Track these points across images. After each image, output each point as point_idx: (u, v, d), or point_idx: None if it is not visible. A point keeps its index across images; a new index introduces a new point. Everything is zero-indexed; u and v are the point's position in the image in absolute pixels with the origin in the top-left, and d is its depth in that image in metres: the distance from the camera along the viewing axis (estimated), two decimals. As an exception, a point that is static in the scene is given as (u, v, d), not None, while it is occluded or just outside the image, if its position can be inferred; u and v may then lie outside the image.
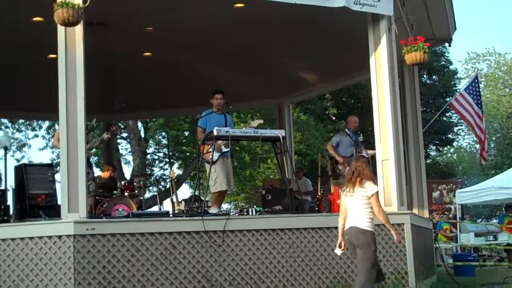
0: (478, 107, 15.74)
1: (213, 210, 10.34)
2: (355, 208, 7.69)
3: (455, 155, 50.71)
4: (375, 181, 7.88)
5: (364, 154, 11.73)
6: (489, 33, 78.76)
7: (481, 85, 38.43)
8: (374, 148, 11.00)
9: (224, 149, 10.59)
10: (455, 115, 32.73)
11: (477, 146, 46.80)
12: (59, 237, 8.22)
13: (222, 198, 10.90)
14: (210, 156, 10.32)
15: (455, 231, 22.25)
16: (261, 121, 11.20)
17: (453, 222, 22.73)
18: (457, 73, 39.09)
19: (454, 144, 43.68)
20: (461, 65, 50.59)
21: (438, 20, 13.42)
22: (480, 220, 35.04)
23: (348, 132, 12.44)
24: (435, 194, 26.19)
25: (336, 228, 9.50)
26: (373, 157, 10.99)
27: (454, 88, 35.51)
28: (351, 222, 7.73)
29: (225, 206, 27.72)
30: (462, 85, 27.66)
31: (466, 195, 23.06)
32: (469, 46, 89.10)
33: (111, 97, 15.26)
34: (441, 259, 14.99)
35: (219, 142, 10.42)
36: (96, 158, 26.55)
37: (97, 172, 15.13)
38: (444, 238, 20.86)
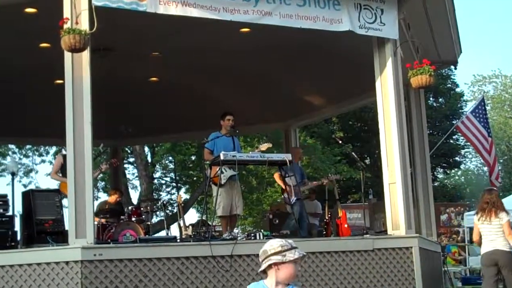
0: (485, 130, 15.71)
1: (225, 235, 10.33)
2: (493, 233, 9.57)
3: (463, 177, 50.62)
4: (506, 210, 9.69)
5: None
6: (495, 56, 78.89)
7: (488, 107, 38.43)
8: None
9: (231, 173, 10.58)
10: (462, 137, 32.71)
11: (485, 168, 46.83)
12: (67, 263, 8.20)
13: (227, 222, 10.88)
14: (218, 180, 10.32)
15: (464, 254, 22.14)
16: (270, 145, 11.18)
17: (462, 245, 22.63)
18: (463, 95, 39.15)
19: (462, 166, 43.65)
20: (467, 88, 50.68)
21: (443, 43, 13.44)
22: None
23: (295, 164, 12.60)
24: (443, 217, 26.13)
25: (344, 252, 9.51)
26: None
27: (460, 110, 35.54)
28: (492, 245, 9.57)
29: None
30: (468, 108, 27.63)
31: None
32: (475, 69, 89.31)
33: (118, 122, 15.31)
34: (450, 283, 14.91)
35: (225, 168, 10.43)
36: (103, 183, 26.56)
37: (103, 197, 15.12)
38: (453, 261, 20.75)
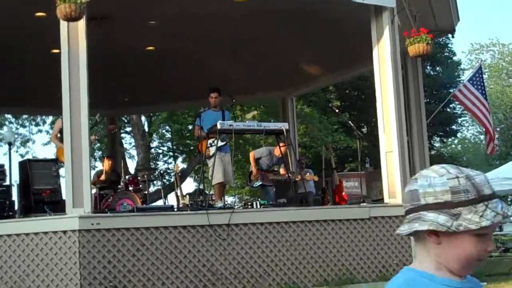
0: (483, 97, 15.68)
1: (219, 204, 10.39)
2: None
3: (459, 146, 50.74)
4: None
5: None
6: (492, 24, 78.61)
7: (485, 76, 38.37)
8: None
9: (220, 143, 10.61)
10: (459, 106, 32.68)
11: (482, 136, 46.93)
12: (64, 232, 8.23)
13: (222, 190, 10.97)
14: (207, 152, 10.39)
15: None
16: (255, 113, 11.27)
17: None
18: (460, 64, 39.06)
19: (458, 135, 43.70)
20: (464, 56, 50.63)
21: (441, 11, 13.38)
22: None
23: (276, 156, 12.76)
24: (439, 185, 26.19)
25: (341, 220, 9.57)
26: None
27: (458, 79, 35.45)
28: None
29: (229, 199, 27.73)
30: (465, 76, 27.61)
31: (471, 186, 23.04)
32: (473, 37, 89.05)
33: (115, 91, 15.30)
34: (446, 250, 14.98)
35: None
36: (100, 152, 26.58)
37: (100, 166, 15.15)
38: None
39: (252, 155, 12.98)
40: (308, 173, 13.72)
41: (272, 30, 12.98)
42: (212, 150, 10.51)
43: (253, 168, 12.73)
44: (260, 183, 12.49)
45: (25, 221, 8.96)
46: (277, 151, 12.29)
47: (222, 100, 11.27)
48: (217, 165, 10.65)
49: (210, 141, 10.47)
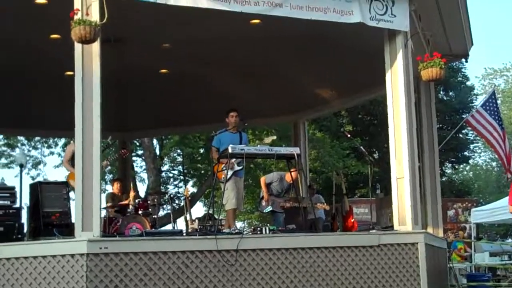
0: (497, 123, 15.60)
1: (231, 229, 10.36)
2: None
3: (471, 172, 50.47)
4: None
5: None
6: (506, 49, 78.49)
7: (498, 101, 38.21)
8: None
9: (237, 168, 10.58)
10: (472, 132, 32.61)
11: (494, 163, 46.71)
12: (72, 255, 8.18)
13: (234, 215, 10.94)
14: (224, 175, 10.34)
15: (470, 250, 22.08)
16: (274, 137, 11.22)
17: (468, 242, 22.57)
18: (474, 89, 38.98)
19: (470, 161, 43.49)
20: (478, 81, 50.46)
21: (454, 35, 13.33)
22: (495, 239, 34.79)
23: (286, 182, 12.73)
24: (450, 212, 26.10)
25: (350, 247, 9.49)
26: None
27: (471, 104, 35.37)
28: None
29: (238, 224, 27.66)
30: (479, 101, 27.52)
31: (481, 214, 22.96)
32: (486, 62, 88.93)
33: (127, 114, 15.33)
34: (455, 279, 14.85)
35: (232, 160, 10.45)
36: (111, 175, 26.61)
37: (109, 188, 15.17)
38: (459, 258, 20.69)
39: (263, 180, 12.92)
40: (319, 203, 13.65)
41: (284, 53, 12.98)
42: (229, 173, 10.48)
43: (264, 193, 12.65)
44: (271, 208, 12.43)
45: (33, 244, 8.91)
46: (288, 177, 12.22)
47: (239, 121, 11.27)
48: (231, 190, 10.61)
49: (226, 165, 10.42)
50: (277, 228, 10.33)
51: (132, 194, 13.35)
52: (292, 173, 11.48)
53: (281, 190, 12.67)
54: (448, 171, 39.24)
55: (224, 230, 10.28)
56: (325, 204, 13.38)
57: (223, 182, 10.48)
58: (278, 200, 12.46)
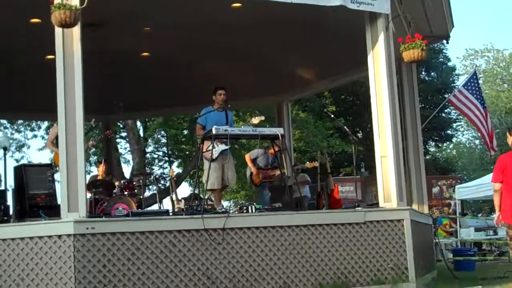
0: (479, 102, 15.75)
1: (218, 208, 10.42)
2: None
3: (454, 150, 50.80)
4: None
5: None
6: (487, 29, 78.81)
7: (480, 81, 38.40)
8: None
9: (223, 147, 10.62)
10: (454, 111, 32.82)
11: (477, 141, 47.00)
12: (59, 236, 8.23)
13: (219, 195, 10.98)
14: (210, 154, 10.38)
15: (455, 226, 22.30)
16: (263, 118, 11.20)
17: (453, 218, 22.78)
18: (455, 69, 39.19)
19: (453, 140, 43.78)
20: (459, 62, 50.66)
21: (435, 17, 13.41)
22: (479, 215, 35.10)
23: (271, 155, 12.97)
24: (435, 189, 26.29)
25: (336, 224, 9.59)
26: None
27: (452, 84, 35.57)
28: None
29: (224, 203, 27.72)
30: (460, 82, 27.64)
31: (466, 191, 23.17)
32: (468, 43, 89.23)
33: (110, 97, 15.29)
34: (441, 254, 15.02)
35: (215, 150, 10.50)
36: (95, 157, 26.57)
37: (95, 171, 15.16)
38: (444, 233, 20.90)
39: (248, 156, 13.02)
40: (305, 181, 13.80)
41: (267, 36, 12.98)
42: (215, 153, 10.50)
43: (252, 168, 12.73)
44: (263, 181, 12.58)
45: (20, 225, 8.94)
46: (271, 150, 12.33)
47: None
48: (213, 171, 10.65)
49: (214, 143, 10.44)
50: (263, 206, 10.40)
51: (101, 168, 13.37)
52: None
53: (267, 163, 12.81)
54: (432, 149, 39.47)
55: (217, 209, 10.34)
56: (313, 162, 13.48)
57: (208, 160, 10.51)
58: (267, 172, 12.58)
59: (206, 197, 10.91)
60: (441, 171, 35.26)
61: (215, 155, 10.49)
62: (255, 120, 10.85)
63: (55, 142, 11.28)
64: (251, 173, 12.92)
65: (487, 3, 78.11)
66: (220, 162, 10.71)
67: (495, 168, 8.91)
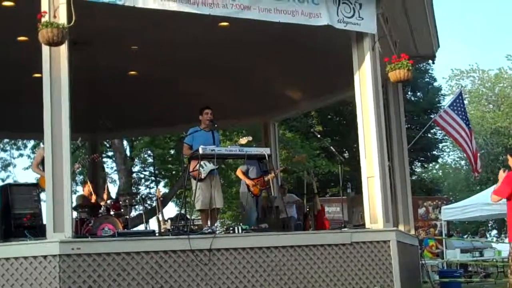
0: (464, 123, 15.82)
1: (205, 229, 10.35)
2: None
3: (440, 171, 50.92)
4: None
5: None
6: (472, 50, 79.39)
7: (465, 102, 38.54)
8: None
9: (211, 167, 10.59)
10: (440, 131, 32.94)
11: (463, 162, 47.18)
12: (45, 257, 8.17)
13: (206, 216, 10.89)
14: (198, 174, 10.35)
15: (441, 247, 22.31)
16: (250, 138, 11.20)
17: (439, 239, 22.79)
18: (441, 89, 39.37)
19: (439, 160, 43.90)
20: (445, 82, 50.92)
21: (421, 38, 13.51)
22: (466, 236, 35.16)
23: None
24: (421, 210, 26.33)
25: (322, 245, 9.56)
26: None
27: (438, 104, 35.73)
28: None
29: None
30: (446, 102, 27.79)
31: (452, 212, 23.21)
32: (453, 63, 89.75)
33: (97, 116, 15.26)
34: (428, 276, 15.02)
35: (202, 169, 10.47)
36: (81, 177, 26.47)
37: (81, 190, 15.08)
38: (430, 255, 20.91)
39: (239, 171, 12.89)
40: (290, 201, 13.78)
41: (254, 56, 13.03)
42: (203, 172, 10.47)
43: (247, 181, 12.59)
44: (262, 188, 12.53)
45: (5, 245, 8.87)
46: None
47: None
48: (204, 190, 10.61)
49: (201, 163, 10.41)
50: (250, 227, 10.37)
51: (105, 196, 13.33)
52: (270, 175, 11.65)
53: (258, 172, 12.66)
54: (418, 170, 39.55)
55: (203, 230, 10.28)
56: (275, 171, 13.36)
57: (196, 180, 10.47)
58: (260, 180, 12.49)
59: (193, 217, 10.88)
60: (427, 192, 35.33)
61: (203, 175, 10.47)
62: (243, 140, 10.87)
63: (40, 166, 11.25)
64: (247, 185, 12.74)
65: (473, 24, 78.76)
66: (208, 182, 10.67)
67: (505, 183, 8.91)
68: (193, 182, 10.70)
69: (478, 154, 16.79)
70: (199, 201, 10.59)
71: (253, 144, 15.57)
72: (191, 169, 10.63)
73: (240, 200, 13.11)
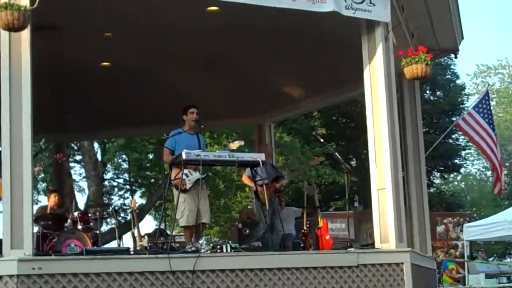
0: (490, 128, 15.85)
1: (188, 247, 10.33)
2: None
3: (463, 183, 50.95)
4: None
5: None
6: (501, 43, 79.46)
7: (493, 103, 38.72)
8: None
9: (197, 176, 10.54)
10: (463, 137, 32.99)
11: (489, 172, 47.27)
12: (0, 277, 8.15)
13: (191, 233, 10.86)
14: (182, 184, 10.30)
15: (463, 271, 22.35)
16: (242, 143, 11.18)
17: (460, 262, 22.83)
18: (464, 88, 39.50)
19: (462, 170, 43.90)
20: (469, 80, 50.97)
21: (442, 27, 13.52)
22: (491, 259, 35.20)
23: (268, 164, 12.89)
24: (440, 228, 26.38)
25: (325, 268, 9.55)
26: None
27: (461, 105, 35.83)
28: None
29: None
30: (470, 103, 27.83)
31: (476, 230, 23.24)
32: (479, 58, 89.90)
33: (63, 113, 15.25)
34: (446, 304, 15.05)
35: (187, 178, 10.45)
36: (44, 184, 26.48)
37: (44, 200, 15.10)
38: (450, 280, 20.96)
39: (245, 176, 12.82)
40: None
41: (248, 46, 13.04)
42: (188, 182, 10.45)
43: (254, 186, 12.50)
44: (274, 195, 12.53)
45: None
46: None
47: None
48: (190, 203, 10.57)
49: (186, 171, 10.38)
50: (240, 245, 10.37)
51: (72, 207, 13.34)
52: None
53: (266, 175, 12.58)
54: (437, 181, 39.68)
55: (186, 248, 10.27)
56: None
57: (180, 191, 10.41)
58: (272, 186, 12.50)
59: (174, 233, 10.87)
60: (447, 207, 35.42)
61: (188, 185, 10.45)
62: (234, 145, 10.85)
63: None
64: (255, 191, 12.67)
65: (502, 13, 78.95)
66: (194, 193, 10.61)
67: None
68: (175, 192, 10.68)
69: (504, 170, 16.80)
70: (184, 216, 10.54)
71: (246, 149, 15.56)
72: (172, 177, 10.61)
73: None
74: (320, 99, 17.35)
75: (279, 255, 9.79)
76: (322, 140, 16.12)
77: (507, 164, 44.96)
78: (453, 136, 35.71)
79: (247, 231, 13.09)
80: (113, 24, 12.09)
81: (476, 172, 51.05)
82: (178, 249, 10.08)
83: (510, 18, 79.31)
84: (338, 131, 33.33)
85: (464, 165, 43.56)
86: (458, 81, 38.45)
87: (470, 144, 33.85)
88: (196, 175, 10.53)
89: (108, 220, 23.15)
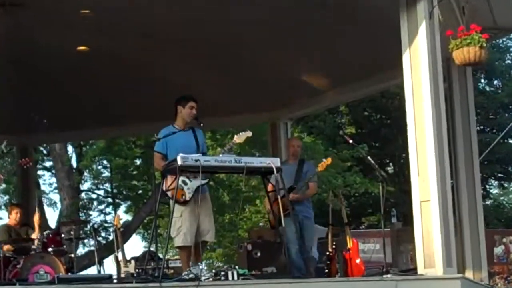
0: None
1: (185, 273, 10.33)
2: None
3: (526, 194, 50.90)
4: None
5: None
6: None
7: None
8: None
9: (198, 183, 10.44)
10: (526, 136, 32.99)
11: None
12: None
13: (188, 255, 10.84)
14: (179, 194, 10.26)
15: (528, 303, 22.35)
16: (249, 134, 11.05)
17: (524, 291, 22.83)
18: (528, 77, 39.39)
19: (525, 178, 43.88)
20: (534, 66, 50.91)
21: (501, 1, 13.52)
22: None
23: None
24: (498, 249, 26.36)
25: (355, 299, 9.60)
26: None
27: (524, 98, 35.77)
28: None
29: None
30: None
31: (545, 252, 23.24)
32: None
33: (30, 110, 15.30)
34: None
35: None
36: (7, 197, 26.58)
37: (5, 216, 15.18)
38: (511, 314, 20.96)
39: (266, 202, 12.81)
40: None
41: (258, 27, 13.06)
42: (187, 192, 10.38)
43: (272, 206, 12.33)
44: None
45: None
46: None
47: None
48: (188, 219, 10.51)
49: (182, 178, 10.29)
50: (249, 271, 10.41)
51: (36, 218, 13.34)
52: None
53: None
54: (494, 191, 39.61)
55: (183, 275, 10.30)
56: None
57: (178, 202, 10.34)
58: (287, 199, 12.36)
59: (167, 256, 10.93)
60: (507, 223, 35.34)
61: (188, 195, 10.37)
62: (239, 138, 10.75)
63: None
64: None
65: None
66: (193, 206, 10.52)
67: None
68: (171, 204, 10.60)
69: None
70: (180, 234, 10.47)
71: (256, 153, 15.60)
72: (165, 188, 10.56)
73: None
74: (349, 91, 17.34)
75: (298, 283, 9.82)
76: (351, 141, 16.12)
77: None
78: (515, 135, 35.69)
79: (259, 254, 13.10)
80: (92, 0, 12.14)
81: (543, 181, 51.06)
82: (173, 276, 10.12)
83: None
84: (371, 130, 33.33)
85: (528, 171, 43.56)
86: (520, 68, 38.41)
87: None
88: (196, 181, 10.38)
89: (86, 241, 23.30)
